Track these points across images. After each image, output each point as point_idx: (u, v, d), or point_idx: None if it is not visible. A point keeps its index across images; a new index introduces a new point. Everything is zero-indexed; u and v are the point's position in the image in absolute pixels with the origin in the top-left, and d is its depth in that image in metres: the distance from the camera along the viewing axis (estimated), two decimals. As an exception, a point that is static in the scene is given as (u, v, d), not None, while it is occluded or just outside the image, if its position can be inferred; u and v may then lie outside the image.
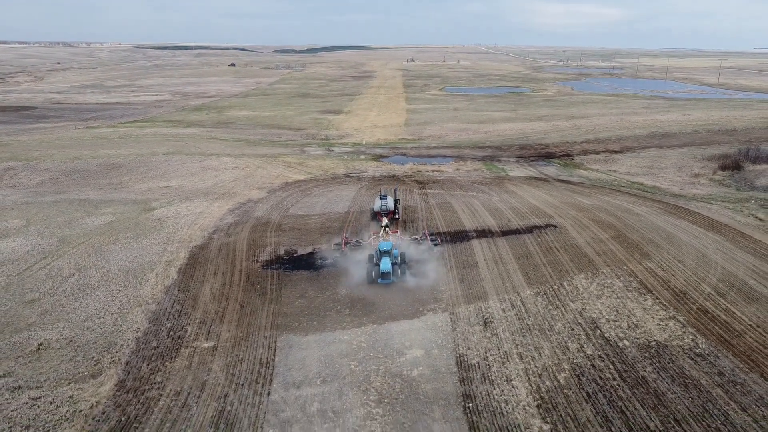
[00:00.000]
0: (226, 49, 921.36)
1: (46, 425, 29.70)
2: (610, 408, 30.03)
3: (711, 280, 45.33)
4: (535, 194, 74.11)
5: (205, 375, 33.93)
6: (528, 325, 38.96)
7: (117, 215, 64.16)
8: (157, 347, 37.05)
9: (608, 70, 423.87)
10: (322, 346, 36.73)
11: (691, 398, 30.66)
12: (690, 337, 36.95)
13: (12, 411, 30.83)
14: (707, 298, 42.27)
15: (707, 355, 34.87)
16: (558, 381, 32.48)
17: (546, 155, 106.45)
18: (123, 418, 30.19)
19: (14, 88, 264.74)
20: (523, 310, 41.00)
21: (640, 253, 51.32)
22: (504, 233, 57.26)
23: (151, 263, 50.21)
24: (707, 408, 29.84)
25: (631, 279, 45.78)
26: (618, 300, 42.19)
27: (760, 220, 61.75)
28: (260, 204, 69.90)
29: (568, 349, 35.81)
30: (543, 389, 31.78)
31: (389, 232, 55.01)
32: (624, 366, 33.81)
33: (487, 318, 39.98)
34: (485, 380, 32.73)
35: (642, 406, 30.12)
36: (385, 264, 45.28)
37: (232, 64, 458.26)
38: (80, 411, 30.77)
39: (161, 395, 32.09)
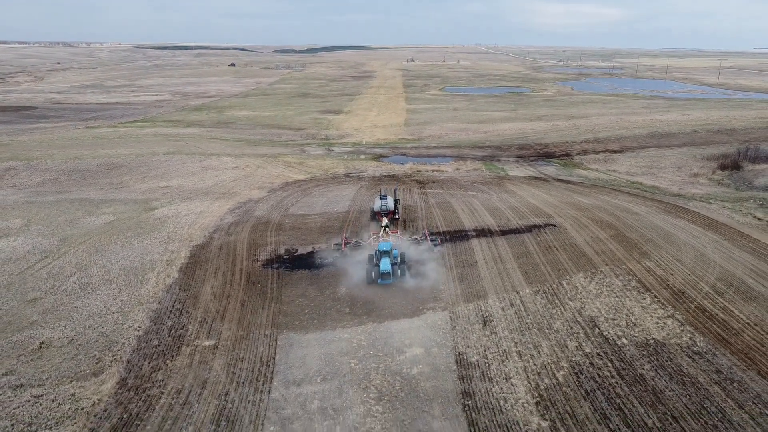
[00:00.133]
0: (226, 49, 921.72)
1: (49, 422, 29.92)
2: (609, 405, 30.27)
3: (709, 279, 45.56)
4: (534, 194, 74.33)
5: (206, 373, 34.15)
6: (527, 323, 39.18)
7: (118, 215, 64.38)
8: (159, 345, 37.28)
9: (608, 70, 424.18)
10: (322, 345, 36.95)
11: (689, 396, 30.89)
12: (688, 335, 37.18)
13: (14, 409, 31.06)
14: (705, 297, 42.50)
15: (705, 353, 35.10)
16: (557, 379, 32.71)
17: (545, 155, 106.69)
18: (125, 416, 30.42)
19: (14, 88, 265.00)
20: (523, 309, 41.23)
21: (638, 252, 51.54)
22: (503, 232, 57.47)
23: (152, 262, 50.44)
24: (704, 405, 30.08)
25: (630, 278, 46.01)
26: (617, 299, 42.42)
27: (759, 219, 61.98)
28: (260, 203, 70.12)
29: (566, 347, 36.03)
30: (542, 387, 32.01)
31: (389, 232, 55.23)
32: (622, 364, 34.03)
33: (486, 316, 40.20)
34: (484, 378, 32.95)
35: (640, 403, 30.36)
36: (385, 264, 45.43)
37: (232, 64, 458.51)
38: (82, 408, 31.01)
39: (162, 393, 32.32)
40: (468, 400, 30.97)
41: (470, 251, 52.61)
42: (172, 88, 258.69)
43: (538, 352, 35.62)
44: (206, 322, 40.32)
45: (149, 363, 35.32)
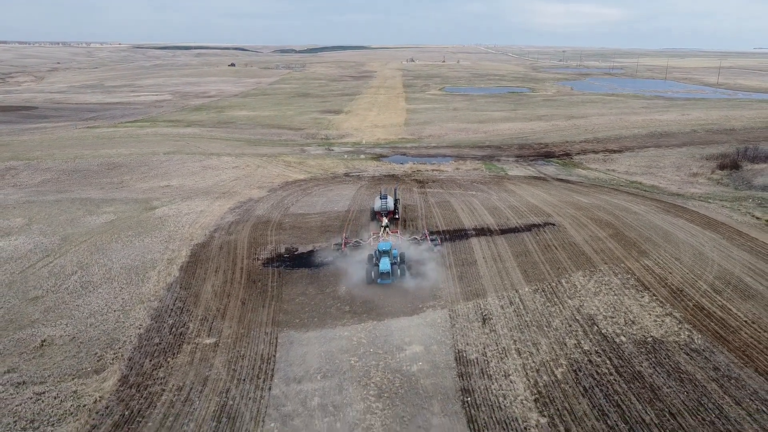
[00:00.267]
0: (226, 49, 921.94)
1: (51, 419, 30.15)
2: (607, 402, 30.49)
3: (708, 278, 45.79)
4: (534, 193, 74.56)
5: (207, 370, 34.38)
6: (526, 321, 39.41)
7: (118, 214, 64.60)
8: (160, 343, 37.50)
9: (608, 70, 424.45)
10: (322, 342, 37.17)
11: (687, 392, 31.12)
12: (686, 333, 37.40)
13: (17, 406, 31.29)
14: (704, 295, 42.73)
15: (703, 350, 35.33)
16: (555, 376, 32.94)
17: (545, 155, 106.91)
18: (126, 413, 30.64)
19: (14, 88, 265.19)
20: (522, 307, 41.45)
21: (637, 251, 51.76)
22: (503, 231, 57.69)
23: (153, 261, 50.66)
24: (702, 402, 30.31)
25: (629, 276, 46.23)
26: (615, 297, 42.65)
27: (757, 218, 62.20)
28: (261, 203, 70.34)
29: (565, 344, 36.26)
30: (540, 384, 32.24)
31: (389, 232, 55.41)
32: (620, 361, 34.26)
33: (485, 315, 40.42)
34: (484, 375, 33.18)
35: (638, 400, 30.59)
36: (385, 264, 45.51)
37: (232, 64, 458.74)
38: (84, 406, 31.24)
39: (164, 390, 32.54)
40: (467, 397, 31.19)
41: (470, 250, 52.82)
42: (172, 88, 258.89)
43: (537, 349, 35.84)
44: (207, 320, 40.54)
45: (150, 361, 35.54)
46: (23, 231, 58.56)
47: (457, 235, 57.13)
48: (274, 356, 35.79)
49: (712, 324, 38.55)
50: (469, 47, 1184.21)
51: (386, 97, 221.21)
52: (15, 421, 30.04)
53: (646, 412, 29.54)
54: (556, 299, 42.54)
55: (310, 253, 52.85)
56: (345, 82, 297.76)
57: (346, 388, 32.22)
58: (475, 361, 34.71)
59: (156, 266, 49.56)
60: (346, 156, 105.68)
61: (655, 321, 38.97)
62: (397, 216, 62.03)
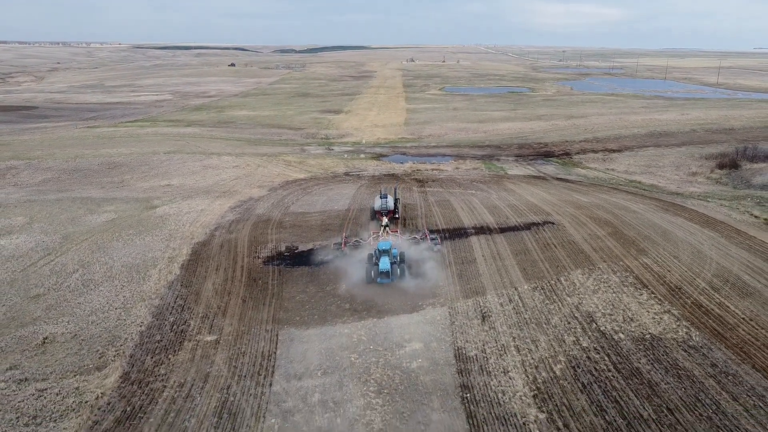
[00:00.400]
0: (226, 49, 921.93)
1: (53, 415, 30.39)
2: (605, 398, 30.72)
3: (706, 276, 46.01)
4: (533, 192, 74.79)
5: (209, 367, 34.61)
6: (525, 318, 39.64)
7: (119, 213, 64.82)
8: (161, 341, 37.73)
9: (608, 70, 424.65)
10: (322, 340, 37.40)
11: (684, 388, 31.36)
12: (684, 330, 37.63)
13: (19, 402, 31.53)
14: (702, 293, 42.96)
15: (701, 347, 35.56)
16: (554, 372, 33.16)
17: (545, 154, 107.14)
18: (128, 409, 30.87)
19: (14, 88, 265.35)
20: (521, 305, 41.68)
21: (636, 249, 51.99)
22: (502, 230, 57.91)
23: (154, 259, 50.88)
24: (699, 398, 30.54)
25: (627, 274, 46.46)
26: (614, 295, 42.87)
27: (756, 217, 62.43)
28: (261, 202, 70.57)
29: (564, 341, 36.49)
30: (539, 380, 32.47)
31: (389, 232, 55.60)
32: (619, 358, 34.49)
33: (485, 312, 40.65)
34: (483, 372, 33.41)
35: (636, 396, 30.82)
36: (384, 263, 45.61)
37: (232, 64, 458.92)
38: (86, 402, 31.47)
39: (165, 387, 32.77)
40: (466, 393, 31.42)
41: (469, 248, 53.04)
42: (172, 88, 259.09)
43: (536, 346, 36.07)
44: (208, 317, 40.77)
45: (152, 357, 35.77)
46: (24, 230, 58.79)
47: (457, 233, 57.35)
48: (275, 353, 36.02)
49: (710, 321, 38.77)
50: (469, 47, 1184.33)
51: (386, 96, 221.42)
52: (17, 417, 30.26)
53: (644, 408, 29.78)
54: (555, 297, 42.77)
55: (311, 251, 53.07)
56: (345, 82, 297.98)
57: (347, 385, 32.45)
58: (474, 357, 34.94)
59: (157, 264, 49.78)
60: (346, 155, 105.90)
61: (654, 318, 39.20)
62: (397, 215, 62.22)
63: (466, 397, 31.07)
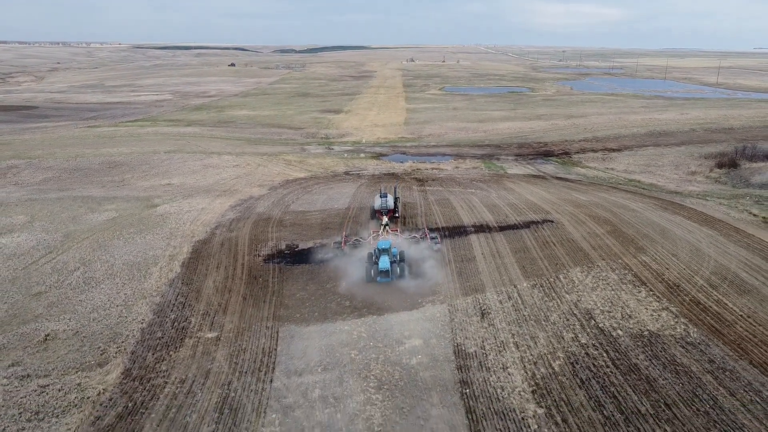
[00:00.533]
0: (226, 49, 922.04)
1: (56, 411, 30.62)
2: (603, 393, 30.95)
3: (704, 273, 46.24)
4: (532, 191, 75.02)
5: (209, 364, 34.84)
6: (524, 315, 39.86)
7: (120, 211, 65.05)
8: (162, 337, 37.96)
9: (608, 69, 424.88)
10: (323, 336, 37.63)
11: (682, 384, 31.58)
12: (682, 326, 37.86)
13: (21, 398, 31.76)
14: (700, 290, 43.18)
15: (698, 343, 35.78)
16: (553, 368, 33.39)
17: (544, 153, 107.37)
18: (130, 404, 31.11)
19: (15, 87, 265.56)
20: (520, 302, 41.90)
21: (635, 247, 52.21)
22: (502, 228, 58.13)
23: (155, 257, 51.10)
24: (697, 393, 30.77)
25: (626, 272, 46.68)
26: (612, 292, 43.10)
27: (754, 215, 62.67)
28: (261, 201, 70.80)
29: (562, 338, 36.71)
30: (538, 376, 32.69)
31: (389, 231, 55.80)
32: (617, 354, 34.72)
33: (484, 309, 40.87)
34: (482, 368, 33.63)
35: (634, 391, 31.05)
36: (384, 262, 45.69)
37: (232, 64, 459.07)
38: (88, 397, 31.71)
39: (167, 383, 33.00)
40: (466, 389, 31.65)
41: (469, 246, 53.26)
42: (172, 87, 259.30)
43: (535, 343, 36.30)
44: (209, 314, 41.00)
45: (153, 354, 36.00)
46: (26, 228, 59.02)
47: (457, 232, 57.57)
48: (276, 350, 36.25)
49: (707, 318, 39.00)
50: (469, 47, 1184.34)
51: (386, 96, 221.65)
52: (20, 413, 30.50)
53: (642, 403, 30.01)
54: (554, 294, 43.01)
55: (311, 249, 53.28)
56: (345, 82, 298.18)
57: (347, 381, 32.68)
58: (473, 354, 35.16)
59: (158, 262, 50.01)
60: (346, 155, 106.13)
61: (652, 315, 39.42)
62: (397, 214, 62.39)
63: (466, 393, 31.30)
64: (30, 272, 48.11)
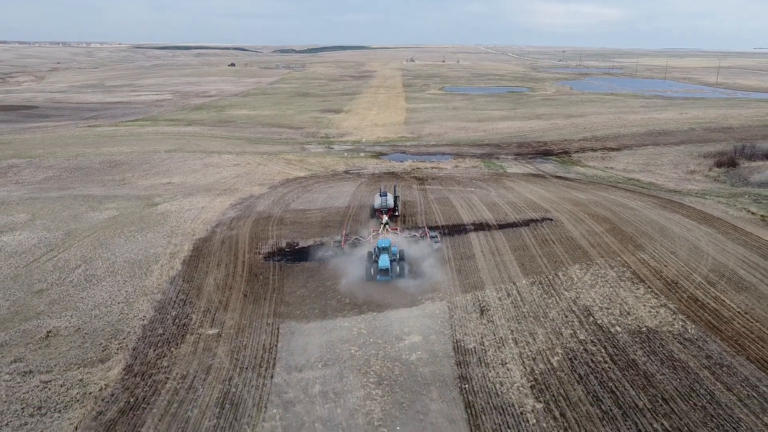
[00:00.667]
0: (226, 49, 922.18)
1: (58, 406, 30.86)
2: (601, 388, 31.20)
3: (702, 270, 46.48)
4: (532, 190, 75.27)
5: (210, 360, 35.09)
6: (523, 312, 40.11)
7: (121, 210, 65.31)
8: (163, 334, 38.20)
9: (607, 69, 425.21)
10: (323, 333, 37.87)
11: (679, 379, 31.83)
12: (680, 323, 38.10)
13: (24, 393, 31.99)
14: (698, 287, 43.43)
15: (696, 339, 36.03)
16: (551, 364, 33.64)
17: (544, 153, 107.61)
18: (132, 400, 31.34)
19: (15, 87, 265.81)
20: (519, 299, 42.15)
21: (633, 244, 52.46)
22: (501, 226, 58.39)
23: (156, 255, 51.35)
24: (694, 388, 31.01)
25: (625, 269, 46.93)
26: (611, 289, 43.35)
27: (752, 213, 62.94)
28: (262, 199, 71.07)
29: (561, 334, 36.96)
30: (537, 371, 32.94)
31: (389, 230, 56.03)
32: (615, 350, 34.96)
33: (483, 306, 41.12)
34: (481, 363, 33.88)
35: (631, 386, 31.30)
36: (384, 261, 45.75)
37: (232, 64, 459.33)
38: (90, 393, 31.94)
39: (168, 378, 33.24)
40: (465, 384, 31.89)
41: (468, 244, 53.51)
42: (172, 87, 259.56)
43: (534, 339, 36.54)
44: (210, 311, 41.25)
45: (154, 350, 36.24)
46: (27, 226, 59.27)
47: (456, 230, 57.83)
48: (276, 346, 36.49)
49: (705, 315, 39.25)
50: (469, 47, 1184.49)
51: (386, 96, 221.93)
52: (23, 408, 30.73)
53: (640, 398, 30.25)
54: (552, 291, 43.26)
55: (311, 247, 53.53)
56: (345, 82, 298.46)
57: (347, 376, 32.92)
58: (472, 350, 35.41)
59: (159, 260, 50.27)
60: (346, 154, 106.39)
61: (650, 312, 39.67)
62: (397, 213, 62.60)
63: (465, 388, 31.55)
64: (32, 270, 48.36)
